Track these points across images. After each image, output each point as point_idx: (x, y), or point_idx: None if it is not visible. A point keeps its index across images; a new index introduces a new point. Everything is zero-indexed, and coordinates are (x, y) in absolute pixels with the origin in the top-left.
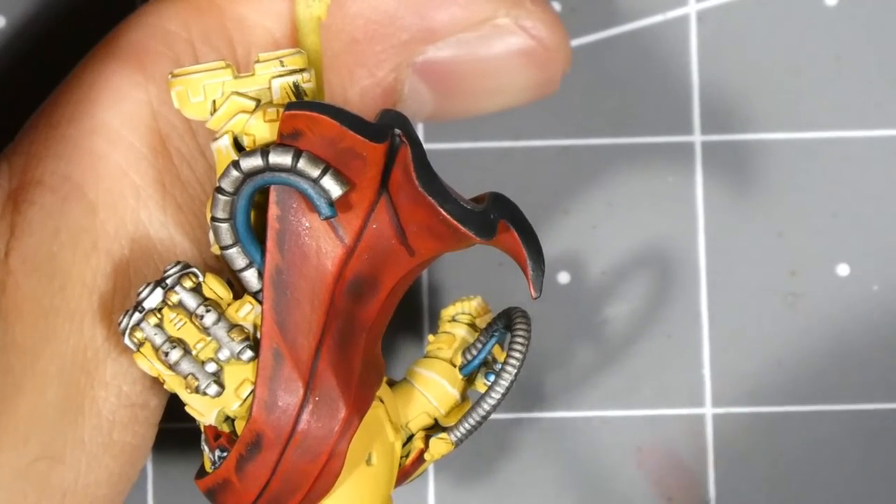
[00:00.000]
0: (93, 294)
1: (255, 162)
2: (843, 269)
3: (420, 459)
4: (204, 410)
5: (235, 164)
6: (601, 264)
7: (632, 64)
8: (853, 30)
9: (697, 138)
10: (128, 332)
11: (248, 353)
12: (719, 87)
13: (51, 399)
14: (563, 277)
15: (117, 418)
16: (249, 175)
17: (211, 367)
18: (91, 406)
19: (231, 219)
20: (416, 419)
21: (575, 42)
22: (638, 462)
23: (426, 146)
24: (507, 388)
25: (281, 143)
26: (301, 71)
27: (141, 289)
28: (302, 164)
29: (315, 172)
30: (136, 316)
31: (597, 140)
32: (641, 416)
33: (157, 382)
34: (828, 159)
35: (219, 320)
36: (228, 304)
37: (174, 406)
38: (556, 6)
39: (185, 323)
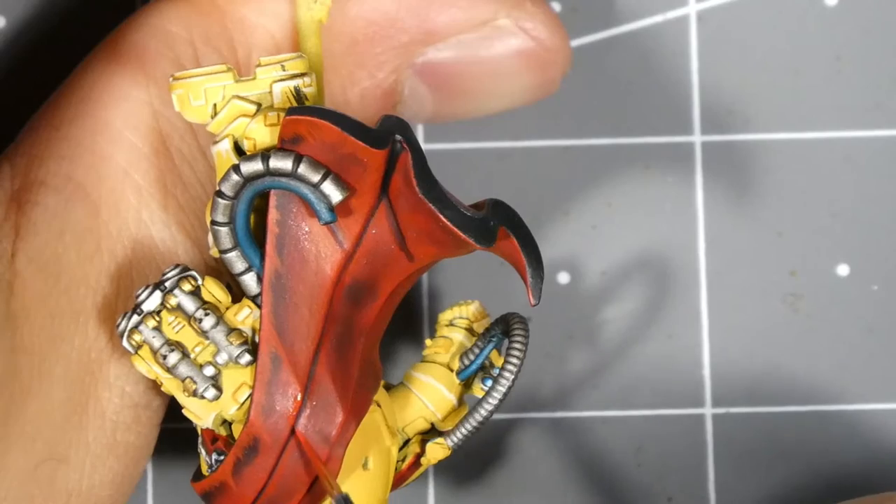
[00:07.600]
0: (97, 295)
1: (256, 166)
2: (843, 269)
3: (416, 464)
4: (201, 414)
5: (236, 168)
6: (601, 265)
7: (632, 64)
8: (853, 30)
9: (697, 138)
10: (126, 334)
11: (247, 357)
12: (719, 87)
13: (56, 401)
14: (563, 278)
15: (121, 419)
16: (250, 179)
17: (209, 371)
18: (95, 407)
19: (231, 222)
20: (413, 424)
21: (575, 42)
22: (638, 462)
23: (426, 146)
24: (505, 394)
25: (282, 148)
26: (302, 75)
27: (139, 291)
28: (302, 168)
29: (315, 177)
30: (135, 318)
31: (597, 140)
32: (641, 416)
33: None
34: (828, 159)
35: (217, 324)
36: (227, 308)
37: (175, 406)
38: (556, 6)
39: (184, 326)
